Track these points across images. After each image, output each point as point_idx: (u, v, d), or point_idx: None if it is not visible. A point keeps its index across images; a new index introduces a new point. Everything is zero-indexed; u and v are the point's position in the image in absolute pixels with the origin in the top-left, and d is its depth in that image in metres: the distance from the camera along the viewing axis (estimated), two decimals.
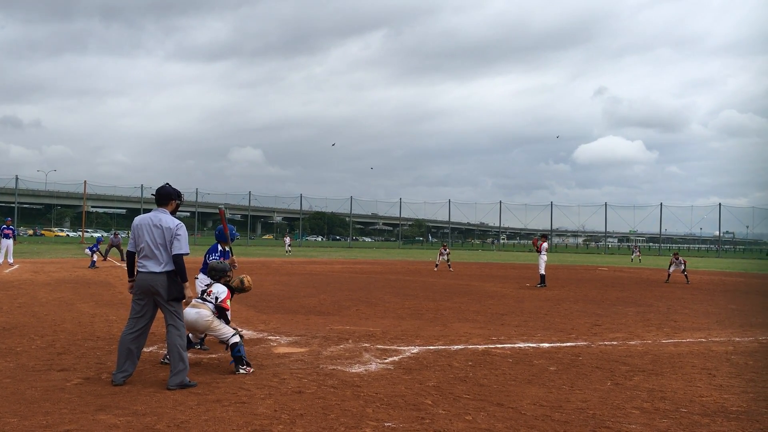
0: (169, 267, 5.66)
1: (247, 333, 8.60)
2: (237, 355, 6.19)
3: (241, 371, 6.11)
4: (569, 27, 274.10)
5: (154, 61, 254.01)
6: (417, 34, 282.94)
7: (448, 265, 26.61)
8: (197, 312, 6.23)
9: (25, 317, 9.61)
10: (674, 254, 22.86)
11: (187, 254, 5.73)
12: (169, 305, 5.70)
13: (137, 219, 5.85)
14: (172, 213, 5.91)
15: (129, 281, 5.90)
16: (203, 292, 6.64)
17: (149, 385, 5.59)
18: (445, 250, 27.05)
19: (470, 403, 5.23)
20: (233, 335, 6.30)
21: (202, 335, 7.00)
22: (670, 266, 22.22)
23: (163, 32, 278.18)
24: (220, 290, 6.53)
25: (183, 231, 5.73)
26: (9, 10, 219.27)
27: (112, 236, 27.86)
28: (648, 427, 4.71)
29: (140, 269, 5.69)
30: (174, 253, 5.65)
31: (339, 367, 6.47)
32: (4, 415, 4.60)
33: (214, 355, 6.99)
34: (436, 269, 26.11)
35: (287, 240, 45.42)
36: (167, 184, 5.99)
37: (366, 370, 6.36)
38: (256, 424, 4.51)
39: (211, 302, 6.42)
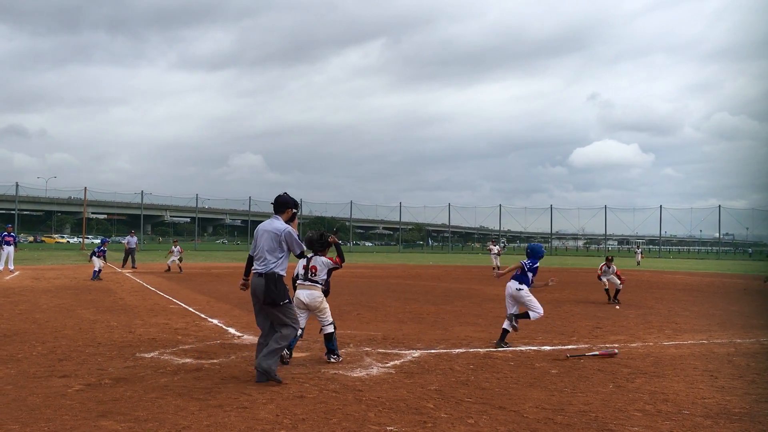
0: (272, 270, 6.00)
1: (248, 337, 8.60)
2: (332, 346, 6.94)
3: (332, 359, 6.86)
4: (564, 35, 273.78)
5: (156, 71, 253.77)
6: (415, 43, 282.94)
7: (497, 266, 25.04)
8: (310, 293, 6.78)
9: (25, 324, 9.61)
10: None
11: (302, 251, 6.26)
12: (266, 307, 6.06)
13: (259, 226, 6.29)
14: (289, 220, 6.26)
15: (242, 280, 6.60)
16: (306, 269, 6.89)
17: (151, 390, 5.59)
18: (495, 247, 25.59)
19: (472, 407, 5.23)
20: (330, 324, 6.88)
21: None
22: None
23: (166, 43, 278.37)
24: (323, 260, 6.91)
25: (290, 235, 6.09)
26: (18, 24, 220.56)
27: (130, 237, 26.28)
28: (650, 429, 4.70)
29: (253, 270, 6.14)
30: (297, 254, 6.24)
31: (340, 372, 6.47)
32: (6, 422, 4.60)
33: (215, 360, 6.99)
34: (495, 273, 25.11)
35: None
36: (285, 193, 6.35)
37: (367, 375, 6.36)
38: (258, 429, 4.50)
39: (320, 282, 6.86)
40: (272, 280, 5.97)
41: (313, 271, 6.88)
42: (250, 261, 6.30)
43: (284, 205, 6.27)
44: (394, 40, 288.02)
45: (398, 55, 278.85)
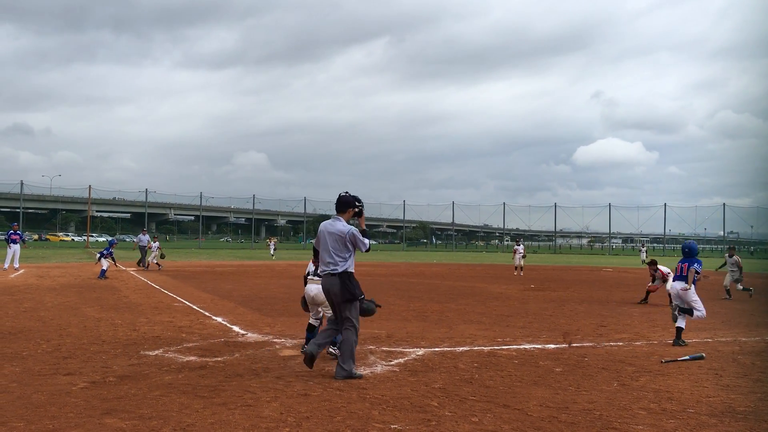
0: (342, 269, 6.17)
1: (253, 336, 8.61)
2: (334, 339, 6.79)
3: (332, 351, 6.95)
4: (568, 33, 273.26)
5: (161, 70, 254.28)
6: (419, 41, 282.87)
7: (521, 267, 24.53)
8: (317, 287, 6.88)
9: (30, 322, 9.64)
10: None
11: (367, 249, 6.35)
12: (341, 306, 6.20)
13: (321, 227, 6.45)
14: (356, 215, 6.47)
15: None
16: (317, 267, 7.07)
17: (155, 388, 5.60)
18: (520, 246, 24.90)
19: (476, 405, 5.22)
20: None
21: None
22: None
23: (171, 42, 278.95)
24: None
25: (353, 236, 6.23)
26: (23, 23, 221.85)
27: (141, 236, 25.70)
28: (655, 428, 4.69)
29: (321, 272, 6.33)
30: (362, 249, 6.34)
31: None
32: (11, 419, 4.61)
33: (219, 358, 7.00)
34: (515, 273, 24.29)
35: (272, 244, 42.34)
36: (347, 192, 6.48)
37: (372, 373, 6.36)
38: (262, 427, 4.50)
39: None
40: (346, 278, 6.18)
41: None
42: (316, 252, 6.72)
43: (346, 204, 6.40)
44: (397, 39, 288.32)
45: (402, 53, 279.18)
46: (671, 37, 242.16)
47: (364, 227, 6.54)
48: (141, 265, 24.86)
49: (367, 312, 7.15)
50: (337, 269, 6.16)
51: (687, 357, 7.41)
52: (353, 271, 6.29)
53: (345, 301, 6.17)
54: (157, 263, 23.87)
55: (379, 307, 7.05)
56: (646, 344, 8.45)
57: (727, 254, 17.29)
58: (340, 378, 6.02)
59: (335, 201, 6.48)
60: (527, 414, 4.98)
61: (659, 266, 14.45)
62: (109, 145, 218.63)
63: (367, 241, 6.33)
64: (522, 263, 24.76)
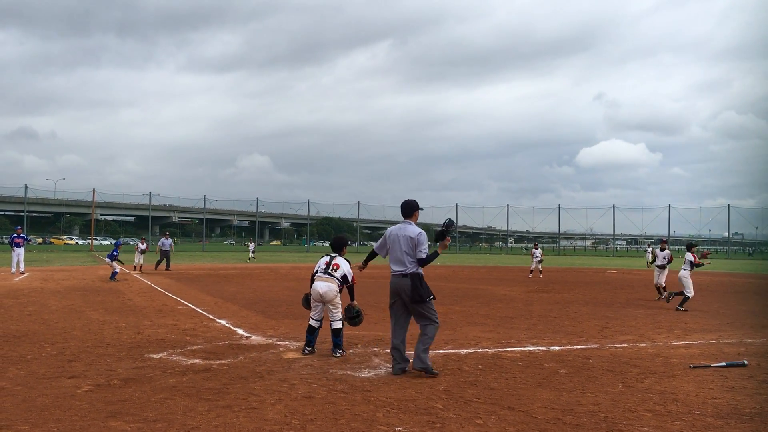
0: (414, 270, 6.38)
1: (257, 338, 8.61)
2: (338, 341, 7.31)
3: (337, 354, 7.23)
4: (571, 35, 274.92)
5: (165, 74, 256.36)
6: (422, 44, 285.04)
7: (539, 270, 24.63)
8: (327, 285, 7.27)
9: (35, 325, 9.66)
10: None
11: (424, 257, 6.41)
12: (414, 306, 6.40)
13: (391, 231, 6.67)
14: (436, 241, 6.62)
15: (359, 267, 7.26)
16: (328, 265, 7.40)
17: (159, 391, 5.60)
18: (537, 250, 24.85)
19: (481, 407, 5.21)
20: (339, 320, 7.35)
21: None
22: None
23: (175, 46, 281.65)
24: (346, 267, 7.42)
25: (423, 238, 6.45)
26: (29, 28, 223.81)
27: (164, 240, 25.50)
28: (660, 429, 4.67)
29: (392, 273, 6.51)
30: (417, 258, 6.40)
31: (349, 372, 6.46)
32: (16, 422, 4.62)
33: (223, 361, 7.00)
34: (531, 276, 24.31)
35: (251, 246, 40.89)
36: (413, 199, 6.75)
37: (376, 375, 6.35)
38: (266, 430, 4.50)
39: (338, 278, 7.33)
40: (417, 279, 6.36)
41: (335, 267, 7.35)
42: (373, 255, 6.94)
43: (411, 208, 6.67)
44: (401, 41, 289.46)
45: (405, 55, 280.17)
46: (674, 38, 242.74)
47: (440, 252, 6.62)
48: (166, 267, 24.94)
49: (353, 321, 7.48)
50: (407, 270, 6.37)
51: (724, 363, 7.05)
52: (423, 272, 6.46)
53: (415, 302, 6.35)
54: (139, 265, 23.76)
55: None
56: (650, 346, 8.42)
57: (658, 248, 16.39)
58: (417, 369, 6.25)
59: (401, 207, 6.70)
60: (532, 416, 4.97)
61: (693, 254, 13.46)
62: (113, 148, 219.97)
63: (426, 257, 6.43)
64: (540, 267, 24.94)
